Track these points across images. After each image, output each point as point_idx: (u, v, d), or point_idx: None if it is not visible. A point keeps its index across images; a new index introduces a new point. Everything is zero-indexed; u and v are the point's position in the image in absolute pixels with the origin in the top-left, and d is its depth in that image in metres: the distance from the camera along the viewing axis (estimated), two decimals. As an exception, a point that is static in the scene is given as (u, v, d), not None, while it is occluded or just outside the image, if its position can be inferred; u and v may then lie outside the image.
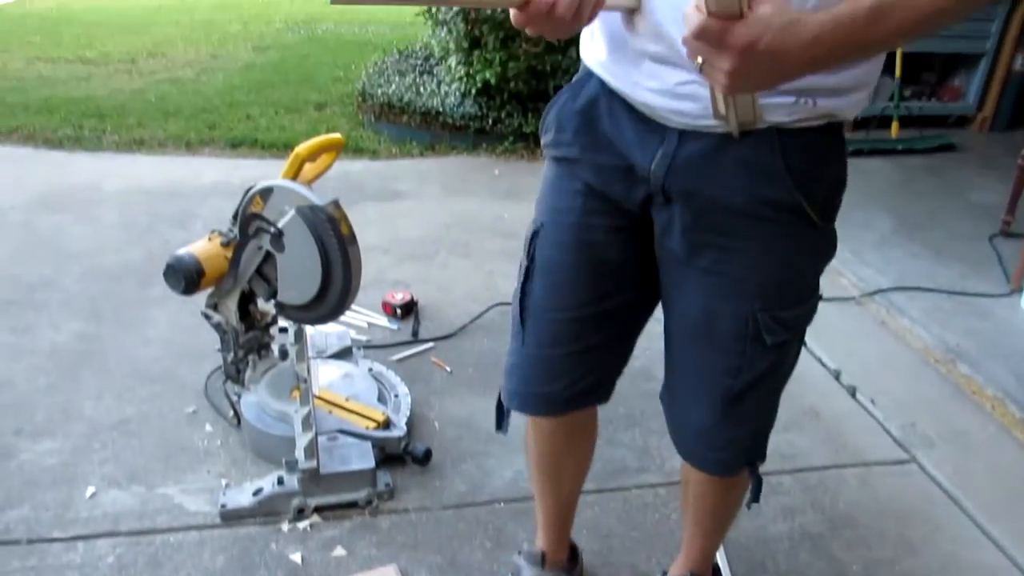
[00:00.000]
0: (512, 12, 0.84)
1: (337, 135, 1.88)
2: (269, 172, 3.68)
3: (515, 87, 4.03)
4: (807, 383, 2.42)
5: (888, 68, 4.41)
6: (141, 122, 4.37)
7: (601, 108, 1.09)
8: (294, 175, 1.82)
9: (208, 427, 2.06)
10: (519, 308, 1.25)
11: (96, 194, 3.52)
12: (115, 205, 3.41)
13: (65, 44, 6.29)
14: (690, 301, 1.13)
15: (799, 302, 1.11)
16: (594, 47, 1.09)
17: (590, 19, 0.87)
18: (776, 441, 2.14)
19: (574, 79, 1.15)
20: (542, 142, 1.21)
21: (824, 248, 1.11)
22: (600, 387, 1.33)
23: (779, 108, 0.95)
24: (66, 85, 5.05)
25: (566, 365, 1.25)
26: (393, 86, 4.44)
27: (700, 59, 0.77)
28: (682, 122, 0.99)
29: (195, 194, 3.55)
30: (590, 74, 1.10)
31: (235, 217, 1.80)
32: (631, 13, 0.97)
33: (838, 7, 0.77)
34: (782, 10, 0.73)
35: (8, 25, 7.14)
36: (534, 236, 1.21)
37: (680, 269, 1.12)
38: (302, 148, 1.81)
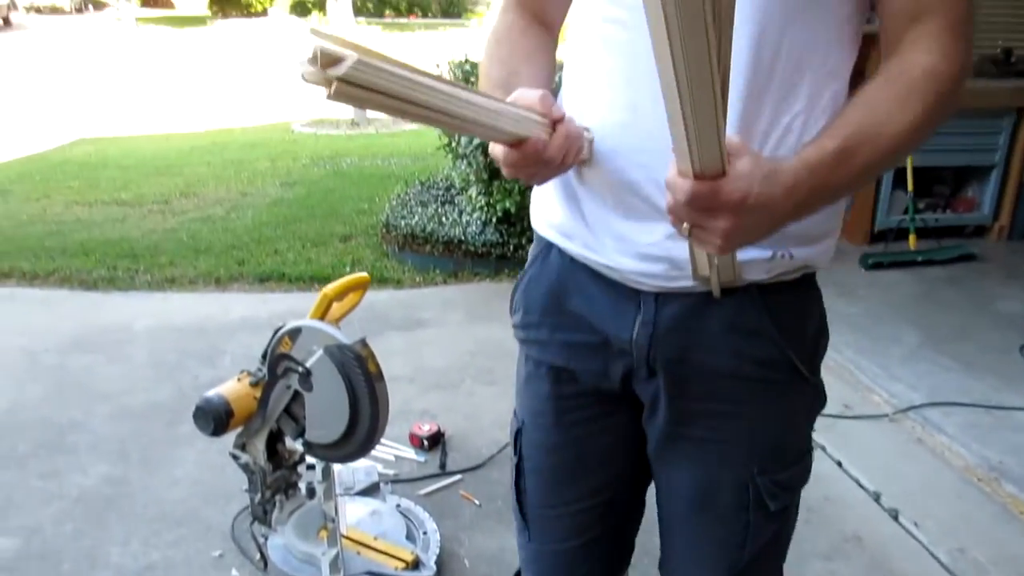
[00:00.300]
0: (501, 152, 0.83)
1: (363, 275, 1.93)
2: (296, 305, 3.79)
3: (534, 214, 4.12)
4: (847, 506, 2.35)
5: (900, 182, 4.49)
6: (173, 261, 4.51)
7: (567, 282, 1.04)
8: (322, 315, 1.86)
9: (235, 572, 2.03)
10: (516, 504, 1.20)
11: (127, 333, 3.59)
12: (145, 343, 3.48)
13: (102, 187, 6.57)
14: (684, 474, 1.06)
15: (796, 461, 1.06)
16: (547, 212, 1.06)
17: (565, 167, 0.88)
18: (818, 571, 2.07)
19: (533, 252, 1.11)
20: (512, 322, 1.15)
21: (815, 402, 1.06)
22: (618, 567, 1.27)
23: (757, 265, 0.92)
24: (102, 227, 5.24)
25: (579, 557, 1.19)
26: (416, 217, 4.57)
27: (687, 225, 0.75)
28: (656, 285, 0.95)
29: (224, 330, 3.61)
30: (549, 245, 1.06)
31: (264, 357, 1.83)
32: (581, 166, 0.94)
33: (805, 152, 0.78)
34: (758, 161, 0.73)
35: (49, 171, 7.48)
36: (518, 433, 1.17)
37: (670, 442, 1.05)
38: (330, 288, 1.86)
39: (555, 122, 0.84)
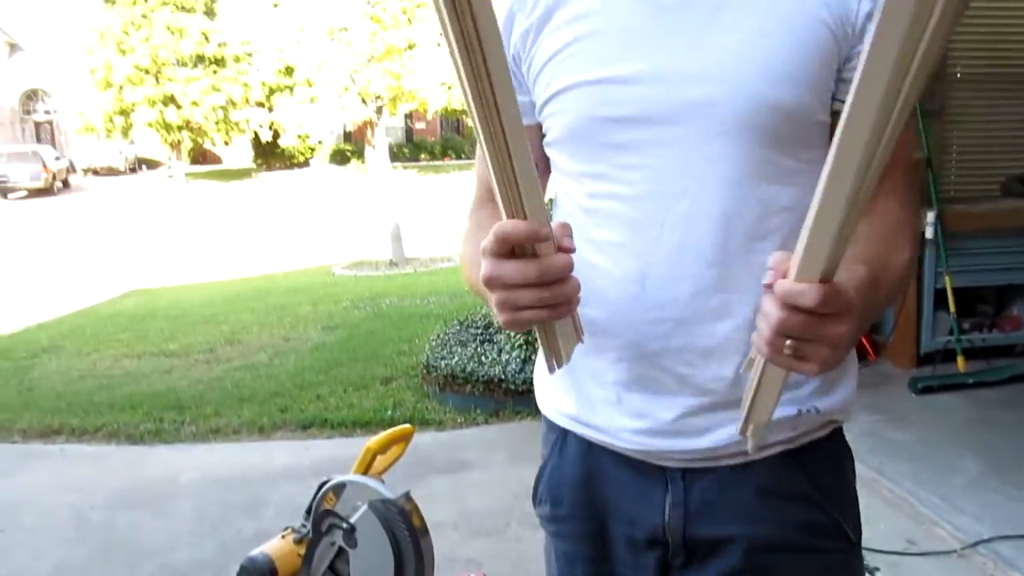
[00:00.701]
0: (490, 239, 0.71)
1: (407, 426, 1.94)
2: (339, 452, 3.79)
3: (573, 350, 4.14)
4: (922, 655, 2.20)
5: (941, 303, 4.45)
6: (218, 410, 4.57)
7: (592, 469, 0.99)
8: (366, 468, 1.86)
9: None
10: None
11: (172, 487, 3.60)
12: (190, 496, 3.48)
13: (150, 339, 6.76)
14: None
15: None
16: (555, 398, 1.03)
17: (557, 307, 0.73)
18: None
19: (548, 440, 1.07)
20: (536, 513, 1.10)
21: (860, 566, 1.01)
22: None
23: (783, 424, 0.90)
24: (149, 379, 5.36)
25: None
26: (456, 357, 4.61)
27: (790, 343, 0.68)
28: (683, 460, 0.92)
29: (267, 479, 3.61)
30: (564, 431, 1.02)
31: (308, 512, 1.82)
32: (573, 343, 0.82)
33: (848, 274, 0.79)
34: None
35: (100, 324, 7.74)
36: None
37: None
38: (373, 442, 1.87)
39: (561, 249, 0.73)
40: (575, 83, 0.91)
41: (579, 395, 0.98)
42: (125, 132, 25.42)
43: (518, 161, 0.69)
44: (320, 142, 22.01)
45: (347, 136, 31.11)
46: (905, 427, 3.75)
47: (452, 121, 33.15)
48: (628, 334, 0.90)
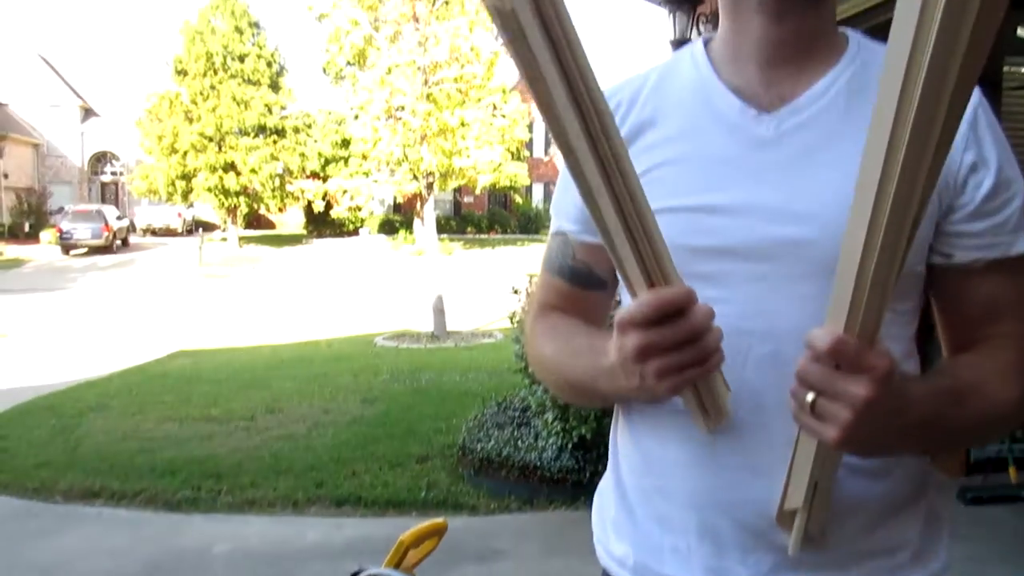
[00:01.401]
0: (635, 305, 0.73)
1: (441, 521, 1.93)
2: (371, 532, 3.78)
3: (611, 440, 4.10)
4: None
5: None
6: (254, 481, 4.59)
7: None
8: (397, 562, 1.85)
9: None
10: None
11: (204, 558, 3.61)
12: (221, 570, 3.48)
13: (194, 402, 6.87)
14: None
15: None
16: (611, 541, 1.00)
17: (708, 363, 0.74)
18: None
19: None
20: None
21: None
22: None
23: None
24: (190, 444, 5.43)
25: None
26: (492, 441, 4.59)
27: (811, 396, 0.69)
28: None
29: (298, 557, 3.60)
30: None
31: (338, 607, 1.82)
32: (714, 422, 0.82)
33: (924, 378, 0.78)
34: (896, 359, 0.70)
35: (147, 384, 7.89)
36: None
37: None
38: (407, 535, 1.86)
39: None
40: (661, 208, 0.87)
41: (641, 541, 0.95)
42: (185, 196, 26.34)
43: (651, 228, 0.72)
44: (371, 212, 22.58)
45: (396, 207, 31.80)
46: (955, 541, 3.59)
47: (499, 196, 33.70)
48: (703, 479, 0.87)
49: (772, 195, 0.85)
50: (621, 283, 0.99)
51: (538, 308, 1.06)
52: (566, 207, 1.00)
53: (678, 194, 0.88)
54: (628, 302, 0.96)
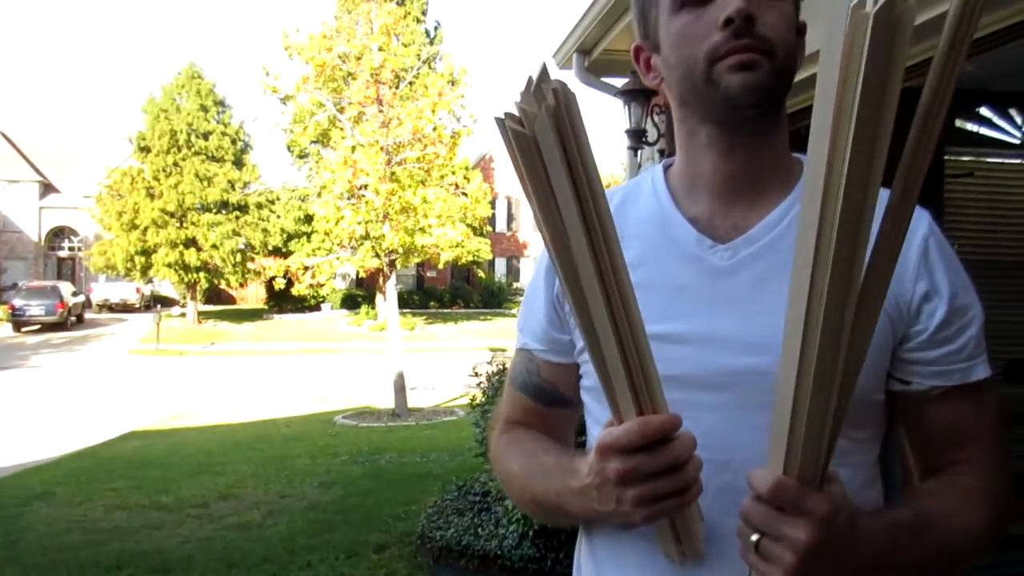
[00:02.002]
0: (620, 431, 0.72)
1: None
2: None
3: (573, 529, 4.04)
4: None
5: None
6: (204, 575, 4.42)
7: None
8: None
9: None
10: None
11: (148, 661, 3.44)
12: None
13: (144, 488, 6.64)
14: None
15: None
16: None
17: (688, 493, 0.74)
18: None
19: None
20: None
21: None
22: None
23: None
24: (138, 536, 5.22)
25: None
26: (452, 528, 4.50)
27: (755, 537, 0.69)
28: None
29: (247, 657, 3.45)
30: None
31: None
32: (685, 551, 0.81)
33: (884, 512, 0.77)
34: (847, 495, 0.70)
35: (95, 470, 7.63)
36: None
37: None
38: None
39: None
40: None
41: None
42: (144, 271, 26.03)
43: (647, 356, 0.71)
44: (332, 288, 22.56)
45: (359, 281, 31.75)
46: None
47: (462, 270, 33.86)
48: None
49: (728, 325, 0.86)
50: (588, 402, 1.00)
51: (503, 423, 1.06)
52: (531, 325, 1.01)
53: None
54: (603, 419, 0.95)
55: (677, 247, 0.90)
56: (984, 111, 4.58)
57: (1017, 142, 4.57)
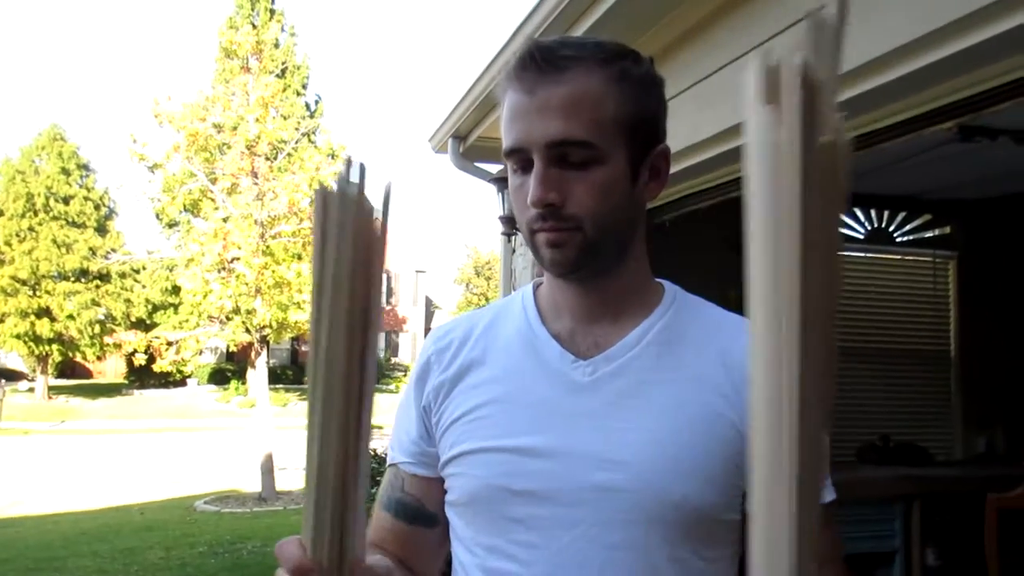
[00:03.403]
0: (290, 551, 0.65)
1: None
2: None
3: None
4: None
5: None
6: None
7: None
8: None
9: None
10: None
11: None
12: None
13: (-33, 591, 5.97)
14: None
15: None
16: None
17: None
18: None
19: None
20: None
21: None
22: None
23: None
24: (-46, 647, 4.66)
25: None
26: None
27: None
28: None
29: None
30: None
31: None
32: None
33: None
34: None
35: (-89, 570, 6.82)
36: None
37: None
38: None
39: None
40: (478, 448, 0.91)
41: None
42: (-13, 343, 24.14)
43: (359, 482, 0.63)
44: (197, 363, 21.54)
45: (229, 355, 30.45)
46: None
47: (340, 345, 33.11)
48: None
49: (586, 440, 0.87)
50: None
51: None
52: (400, 438, 1.01)
53: (496, 435, 0.90)
54: (464, 537, 0.96)
55: (541, 362, 0.93)
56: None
57: (861, 237, 4.94)
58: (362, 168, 0.61)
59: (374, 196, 0.61)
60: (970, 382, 4.98)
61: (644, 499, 0.84)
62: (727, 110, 2.49)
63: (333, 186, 0.59)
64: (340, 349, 0.60)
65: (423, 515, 0.99)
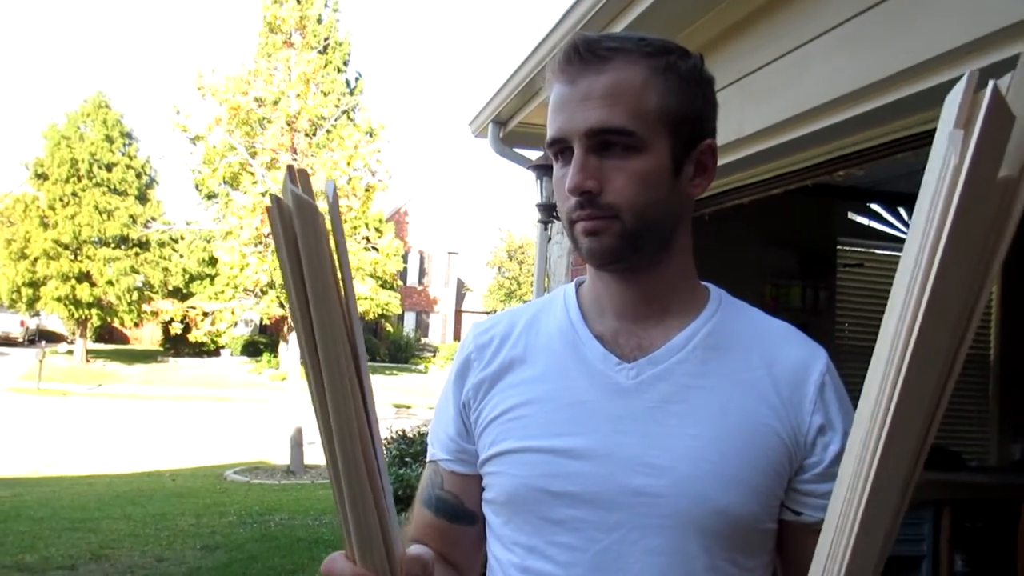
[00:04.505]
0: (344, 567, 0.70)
1: None
2: None
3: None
4: None
5: None
6: (62, 651, 4.09)
7: None
8: None
9: None
10: None
11: None
12: None
13: (6, 546, 6.14)
14: None
15: None
16: None
17: None
18: None
19: None
20: None
21: None
22: None
23: None
24: (-7, 601, 4.81)
25: None
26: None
27: None
28: None
29: None
30: None
31: None
32: None
33: None
34: None
35: (-48, 523, 7.03)
36: None
37: None
38: None
39: None
40: (518, 447, 0.90)
41: None
42: (31, 304, 24.64)
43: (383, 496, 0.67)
44: (232, 335, 21.84)
45: (263, 327, 30.83)
46: None
47: (370, 323, 33.38)
48: None
49: (628, 444, 0.86)
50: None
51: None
52: (439, 435, 1.00)
53: (537, 435, 0.89)
54: (502, 535, 0.95)
55: (584, 363, 0.91)
56: (875, 207, 4.84)
57: (904, 236, 4.84)
58: (303, 174, 0.63)
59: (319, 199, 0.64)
60: (1009, 388, 4.88)
61: (684, 505, 0.83)
62: (772, 107, 2.46)
63: (286, 197, 0.61)
64: (340, 350, 0.66)
65: (463, 513, 0.98)
